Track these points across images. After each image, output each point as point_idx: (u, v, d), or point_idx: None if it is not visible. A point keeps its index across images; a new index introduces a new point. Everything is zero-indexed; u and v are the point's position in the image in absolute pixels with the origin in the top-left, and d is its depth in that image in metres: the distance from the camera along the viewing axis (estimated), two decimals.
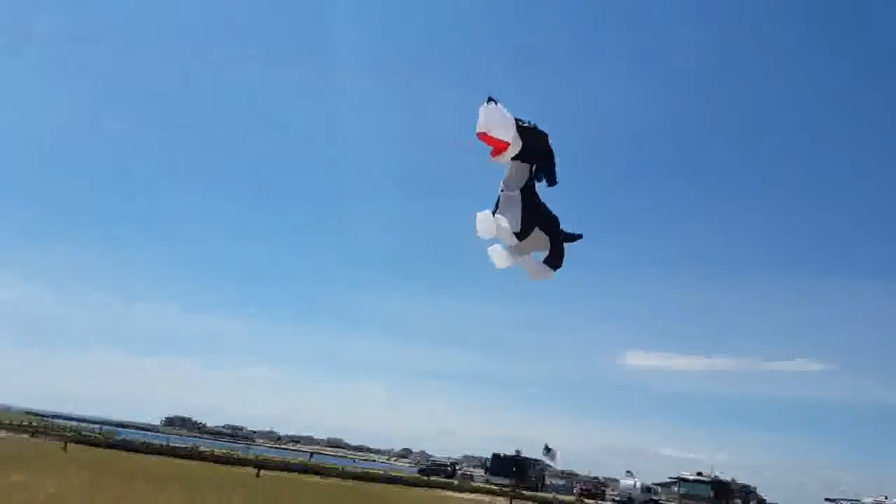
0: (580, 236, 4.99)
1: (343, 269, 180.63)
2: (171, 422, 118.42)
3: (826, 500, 56.72)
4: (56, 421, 63.84)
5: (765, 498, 55.30)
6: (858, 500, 44.22)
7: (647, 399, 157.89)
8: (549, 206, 4.84)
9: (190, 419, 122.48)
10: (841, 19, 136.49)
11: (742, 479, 48.64)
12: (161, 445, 37.09)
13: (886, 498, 42.46)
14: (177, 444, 40.35)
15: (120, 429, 60.52)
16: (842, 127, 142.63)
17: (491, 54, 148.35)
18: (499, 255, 4.77)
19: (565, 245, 4.97)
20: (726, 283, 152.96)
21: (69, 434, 39.03)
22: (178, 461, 29.57)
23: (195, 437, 79.34)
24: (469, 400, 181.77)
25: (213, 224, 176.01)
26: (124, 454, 30.31)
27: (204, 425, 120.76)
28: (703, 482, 45.42)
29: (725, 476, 46.12)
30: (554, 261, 4.89)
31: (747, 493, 48.57)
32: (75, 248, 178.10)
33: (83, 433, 42.40)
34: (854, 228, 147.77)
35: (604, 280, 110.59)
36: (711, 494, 43.78)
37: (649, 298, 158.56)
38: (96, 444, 34.78)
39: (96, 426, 60.22)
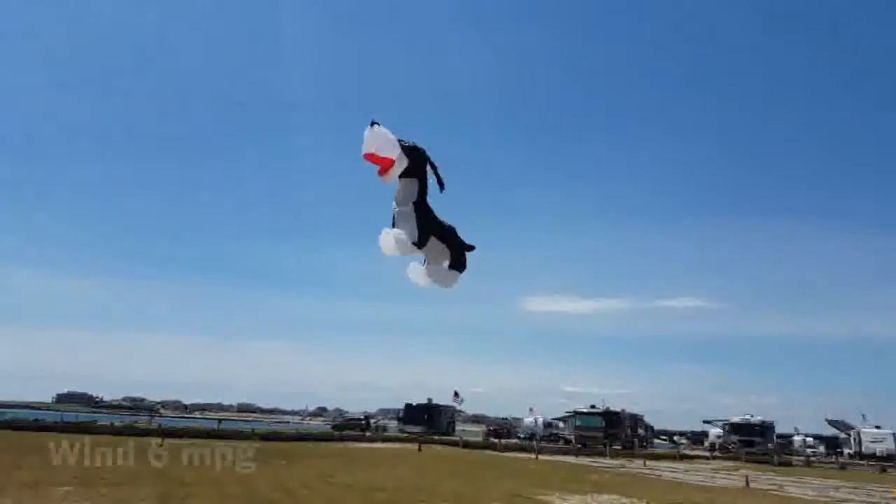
0: (473, 248, 5.28)
1: (230, 223, 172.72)
2: (64, 398, 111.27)
3: (703, 421, 65.73)
4: None
5: (652, 424, 61.36)
6: (728, 419, 50.91)
7: (551, 341, 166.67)
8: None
9: (85, 394, 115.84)
10: None
11: (635, 409, 53.94)
12: (54, 422, 35.01)
13: (752, 416, 49.34)
14: (70, 421, 38.08)
15: (4, 410, 55.94)
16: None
17: None
18: (416, 274, 5.11)
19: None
20: (622, 228, 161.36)
21: None
22: (73, 436, 28.14)
23: (92, 412, 75.07)
24: (382, 354, 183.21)
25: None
26: (9, 433, 28.40)
27: (101, 399, 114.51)
28: (595, 413, 49.76)
29: (615, 407, 50.54)
30: (457, 265, 5.23)
31: (635, 420, 53.44)
32: None
33: None
34: (751, 171, 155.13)
35: (501, 232, 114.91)
36: (603, 424, 48.01)
37: (546, 247, 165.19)
38: None
39: None
